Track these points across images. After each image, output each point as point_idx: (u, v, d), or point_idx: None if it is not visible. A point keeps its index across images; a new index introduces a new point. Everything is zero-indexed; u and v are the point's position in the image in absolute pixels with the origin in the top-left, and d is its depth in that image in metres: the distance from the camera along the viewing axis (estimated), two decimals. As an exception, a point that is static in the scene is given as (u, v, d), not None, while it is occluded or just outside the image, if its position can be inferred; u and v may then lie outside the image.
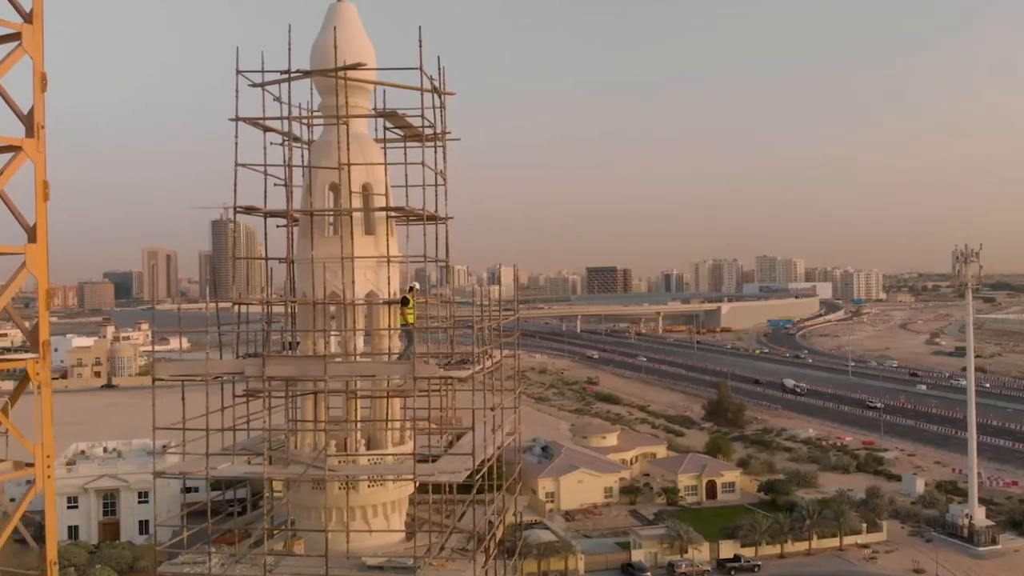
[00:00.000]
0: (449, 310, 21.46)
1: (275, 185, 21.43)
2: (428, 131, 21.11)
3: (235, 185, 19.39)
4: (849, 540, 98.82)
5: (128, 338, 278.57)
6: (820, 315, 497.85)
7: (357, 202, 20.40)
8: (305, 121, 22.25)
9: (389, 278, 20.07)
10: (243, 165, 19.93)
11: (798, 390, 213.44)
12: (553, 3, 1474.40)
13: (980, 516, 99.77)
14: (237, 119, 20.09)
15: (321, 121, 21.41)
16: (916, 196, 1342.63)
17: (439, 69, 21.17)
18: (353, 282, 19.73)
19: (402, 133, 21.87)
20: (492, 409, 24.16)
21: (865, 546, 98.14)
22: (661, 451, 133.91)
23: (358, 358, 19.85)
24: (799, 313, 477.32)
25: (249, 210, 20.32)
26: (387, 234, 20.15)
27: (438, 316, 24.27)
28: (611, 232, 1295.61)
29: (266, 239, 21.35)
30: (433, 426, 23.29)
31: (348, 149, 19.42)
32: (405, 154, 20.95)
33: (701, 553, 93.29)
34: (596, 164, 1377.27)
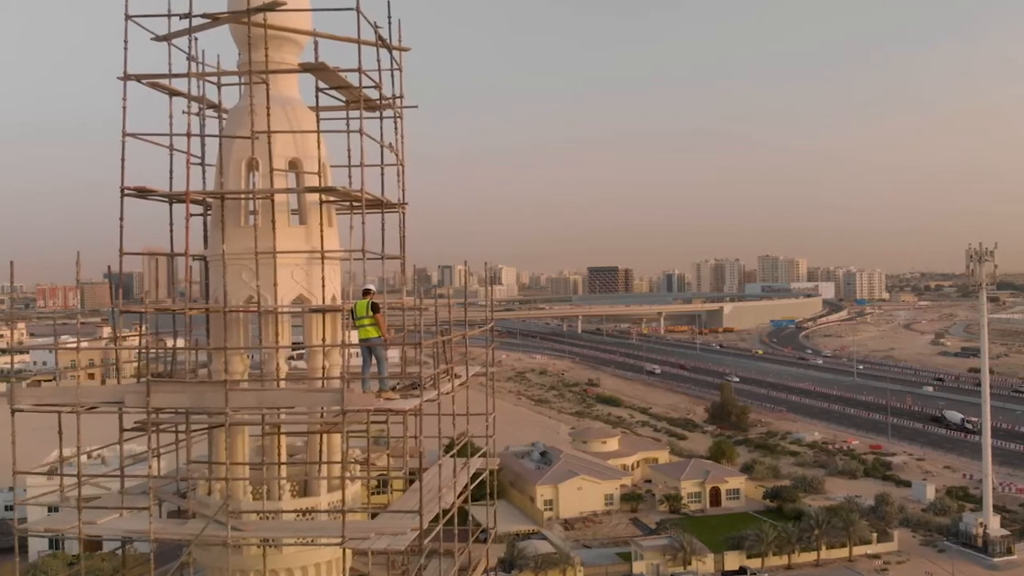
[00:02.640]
0: (403, 319, 17.51)
1: (194, 164, 17.46)
2: (375, 94, 17.14)
3: (122, 161, 15.31)
4: (859, 550, 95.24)
5: (125, 339, 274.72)
6: (823, 315, 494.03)
7: (282, 183, 16.33)
8: (214, 81, 18.19)
9: (324, 279, 16.00)
10: (133, 135, 15.88)
11: (968, 426, 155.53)
12: (551, 5, 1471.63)
13: (995, 525, 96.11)
14: (125, 77, 16.02)
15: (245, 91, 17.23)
16: (919, 195, 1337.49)
17: (390, 21, 17.15)
18: (275, 284, 15.71)
19: (344, 99, 17.77)
20: (464, 435, 20.10)
21: (876, 556, 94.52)
22: (663, 456, 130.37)
23: (282, 383, 15.81)
24: (802, 313, 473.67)
25: (140, 193, 16.27)
26: (321, 224, 16.02)
27: (404, 325, 20.29)
28: (613, 232, 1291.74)
29: (171, 230, 17.21)
30: (393, 459, 19.25)
31: (268, 114, 15.37)
32: (347, 124, 16.77)
33: (705, 565, 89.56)
34: (598, 163, 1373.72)
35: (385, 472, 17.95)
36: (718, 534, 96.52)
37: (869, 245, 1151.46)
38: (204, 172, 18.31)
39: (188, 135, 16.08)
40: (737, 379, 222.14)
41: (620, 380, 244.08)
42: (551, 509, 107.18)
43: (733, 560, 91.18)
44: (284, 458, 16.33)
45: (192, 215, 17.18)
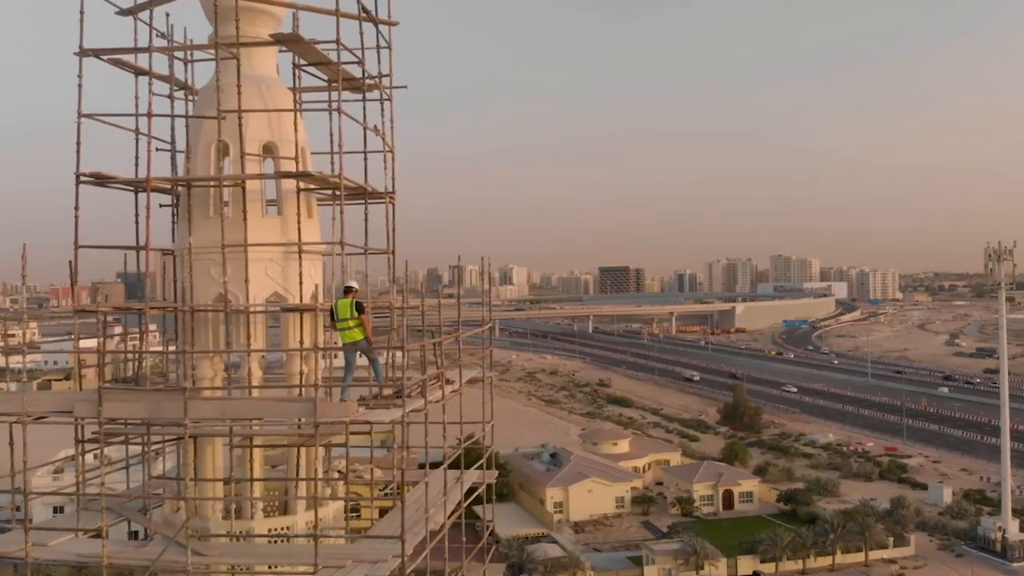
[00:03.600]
0: (392, 319, 15.97)
1: (164, 150, 16.05)
2: (360, 72, 15.62)
3: (78, 145, 13.84)
4: (875, 555, 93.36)
5: (134, 339, 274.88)
6: (836, 315, 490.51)
7: (256, 170, 14.84)
8: (186, 59, 16.69)
9: (301, 275, 14.51)
10: (91, 116, 14.42)
11: None
12: (558, 3, 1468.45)
13: (1014, 529, 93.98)
14: (81, 52, 14.51)
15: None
16: (931, 195, 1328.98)
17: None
18: (247, 280, 14.24)
19: (326, 79, 16.24)
20: (462, 439, 18.59)
21: (892, 561, 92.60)
22: (675, 458, 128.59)
23: (253, 392, 14.31)
24: (815, 313, 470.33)
25: (98, 179, 14.78)
26: (299, 213, 14.51)
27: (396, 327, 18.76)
28: (624, 231, 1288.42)
29: (136, 221, 15.61)
30: (378, 472, 17.72)
31: (240, 92, 13.89)
32: (330, 107, 15.26)
33: (718, 570, 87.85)
34: (608, 163, 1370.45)
35: (374, 486, 16.35)
36: (731, 538, 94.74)
37: (882, 245, 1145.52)
38: (174, 159, 16.85)
39: (149, 115, 14.62)
40: (696, 377, 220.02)
41: (631, 380, 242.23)
42: (561, 512, 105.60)
43: (746, 565, 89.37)
44: (259, 473, 14.84)
45: (163, 206, 15.76)
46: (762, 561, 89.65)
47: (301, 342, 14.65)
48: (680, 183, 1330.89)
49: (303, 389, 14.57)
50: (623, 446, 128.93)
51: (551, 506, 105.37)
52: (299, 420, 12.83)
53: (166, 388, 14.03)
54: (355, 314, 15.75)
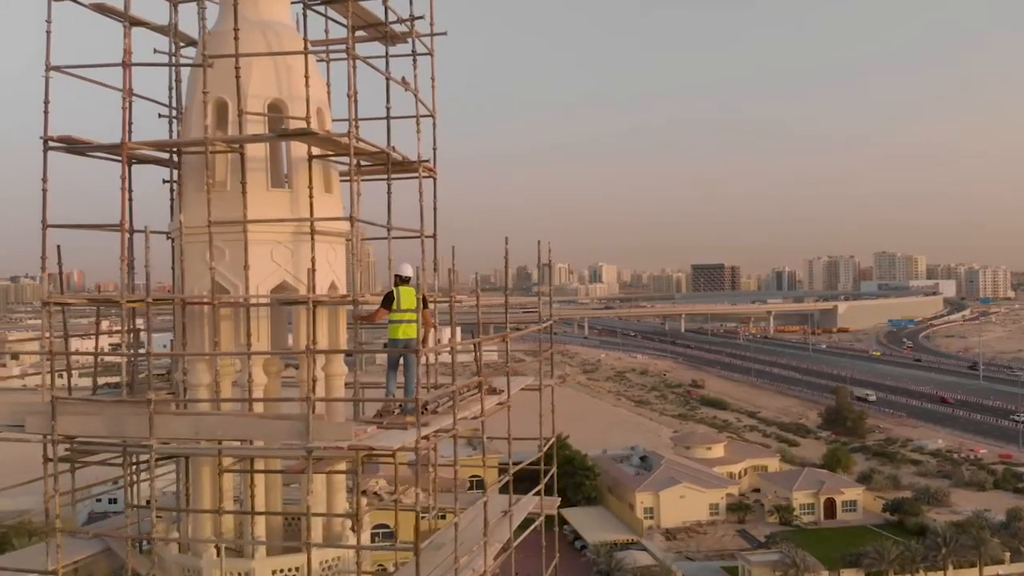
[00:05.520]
0: (420, 317, 13.21)
1: (164, 117, 13.79)
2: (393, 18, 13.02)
3: (46, 104, 11.59)
4: (990, 571, 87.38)
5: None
6: (944, 314, 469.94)
7: (259, 131, 12.36)
8: (194, 13, 14.12)
9: (313, 260, 11.97)
10: (60, 68, 12.15)
11: None
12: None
13: None
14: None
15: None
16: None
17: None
18: (246, 266, 11.80)
19: (347, 25, 13.57)
20: (509, 460, 15.75)
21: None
22: (773, 463, 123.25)
23: (240, 405, 11.81)
24: (921, 312, 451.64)
25: (69, 144, 12.45)
26: (311, 184, 11.97)
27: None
28: (719, 228, 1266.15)
29: (123, 194, 13.15)
30: (424, 492, 15.02)
31: (236, 36, 11.40)
32: (349, 55, 12.58)
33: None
34: (704, 157, 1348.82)
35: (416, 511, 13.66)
36: (833, 549, 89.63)
37: (992, 242, 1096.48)
38: (172, 125, 14.53)
39: (126, 64, 12.24)
40: (873, 398, 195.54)
41: (726, 382, 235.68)
42: (651, 518, 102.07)
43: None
44: (266, 501, 12.38)
45: (167, 181, 13.44)
46: (867, 575, 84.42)
47: (313, 342, 12.07)
48: (778, 178, 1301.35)
49: (312, 403, 11.87)
50: (718, 450, 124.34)
51: (641, 512, 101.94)
52: (295, 443, 10.32)
53: (130, 399, 11.67)
54: (419, 307, 13.20)
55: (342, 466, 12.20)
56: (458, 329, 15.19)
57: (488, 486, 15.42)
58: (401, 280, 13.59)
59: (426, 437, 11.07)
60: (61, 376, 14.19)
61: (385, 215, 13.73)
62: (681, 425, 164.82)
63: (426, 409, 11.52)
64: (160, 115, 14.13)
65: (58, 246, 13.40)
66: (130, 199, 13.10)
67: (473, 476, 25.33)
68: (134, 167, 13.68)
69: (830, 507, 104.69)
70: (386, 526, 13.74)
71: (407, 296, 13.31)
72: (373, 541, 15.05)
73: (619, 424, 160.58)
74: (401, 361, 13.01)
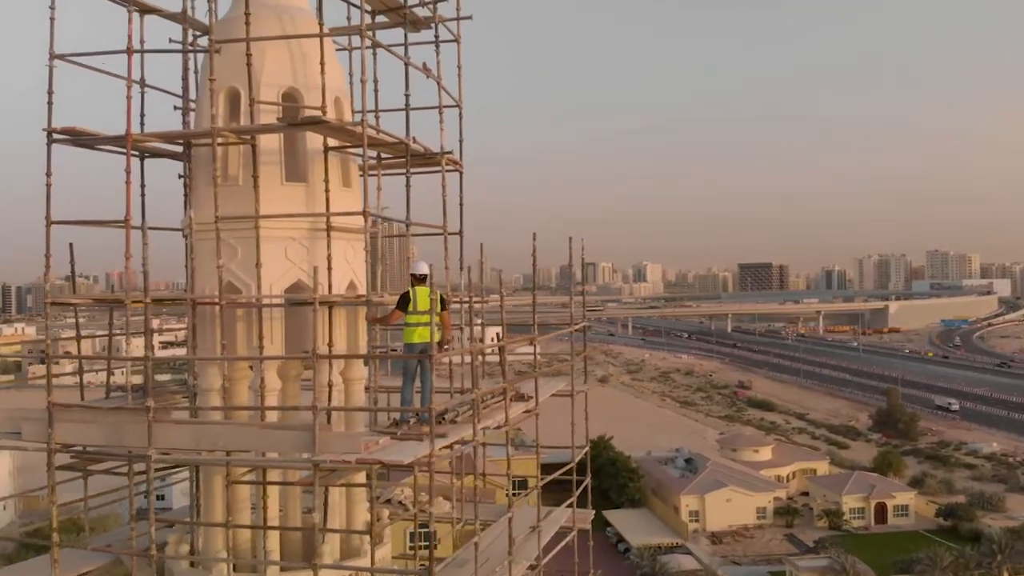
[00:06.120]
0: (469, 319, 12.44)
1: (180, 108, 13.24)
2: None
3: (49, 94, 11.10)
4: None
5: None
6: (999, 314, 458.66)
7: (272, 120, 11.72)
8: None
9: (330, 257, 11.29)
10: (63, 57, 11.63)
11: None
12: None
13: None
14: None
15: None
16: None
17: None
18: (258, 264, 11.16)
19: (360, 4, 12.82)
20: (539, 470, 14.94)
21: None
22: (822, 467, 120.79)
23: (242, 414, 11.13)
24: (975, 312, 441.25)
25: (73, 136, 11.90)
26: (327, 177, 11.27)
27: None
28: (766, 227, 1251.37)
29: (128, 188, 12.38)
30: (448, 497, 14.31)
31: (248, 20, 10.78)
32: (362, 36, 11.80)
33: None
34: (750, 154, 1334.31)
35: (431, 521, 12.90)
36: (884, 556, 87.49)
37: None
38: (186, 118, 13.97)
39: (130, 51, 11.67)
40: (955, 407, 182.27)
41: (774, 383, 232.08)
42: (697, 521, 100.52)
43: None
44: (281, 514, 11.74)
45: (183, 176, 12.87)
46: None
47: (330, 346, 11.38)
48: (827, 176, 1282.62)
49: (318, 412, 11.04)
50: (765, 453, 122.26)
51: (686, 515, 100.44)
52: (300, 454, 9.64)
53: (128, 407, 11.07)
54: (438, 309, 12.47)
55: (361, 476, 11.53)
56: (495, 330, 14.40)
57: (530, 490, 14.70)
58: (417, 280, 12.84)
59: (449, 447, 10.34)
60: (113, 374, 13.80)
61: (415, 211, 13.10)
62: (727, 427, 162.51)
63: (443, 419, 10.80)
64: (176, 107, 13.65)
65: (70, 244, 13.00)
66: (142, 194, 12.63)
67: (517, 476, 24.56)
68: (151, 162, 13.21)
69: (881, 512, 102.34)
70: (425, 526, 13.02)
71: (424, 297, 12.56)
72: (411, 542, 14.39)
73: (664, 425, 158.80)
74: (418, 366, 12.33)
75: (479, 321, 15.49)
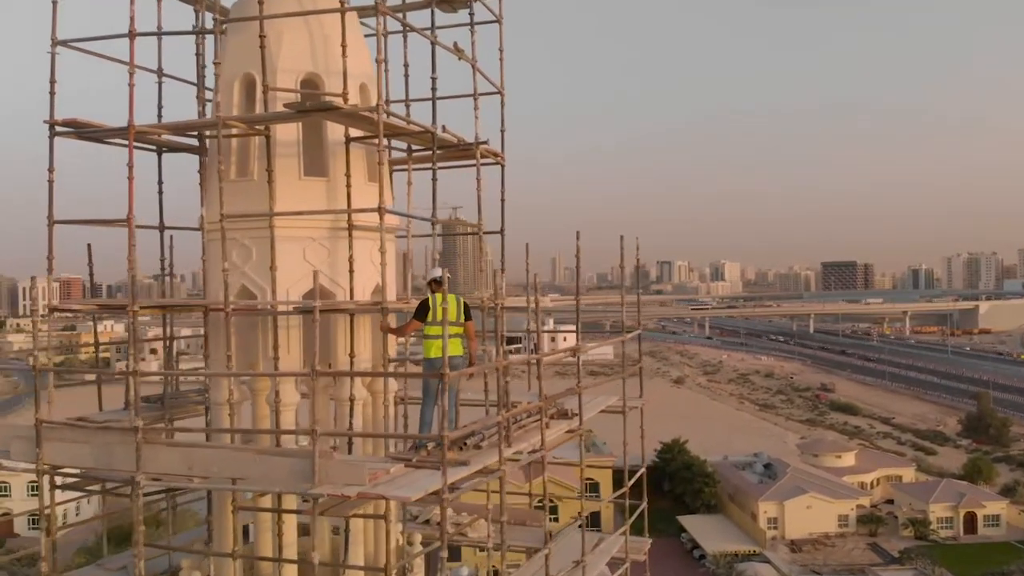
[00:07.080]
0: (498, 324, 11.36)
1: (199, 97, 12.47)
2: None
3: (52, 83, 10.38)
4: None
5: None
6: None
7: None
8: None
9: (351, 259, 10.29)
10: (66, 43, 10.89)
11: None
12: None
13: None
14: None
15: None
16: None
17: None
18: (272, 267, 10.22)
19: None
20: (583, 490, 13.71)
21: None
22: (908, 473, 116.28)
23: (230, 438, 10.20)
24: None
25: (75, 128, 11.16)
26: (349, 171, 10.30)
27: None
28: (850, 224, 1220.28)
29: (130, 183, 11.36)
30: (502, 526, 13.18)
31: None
32: (403, 39, 10.86)
33: (959, 604, 77.62)
34: (833, 150, 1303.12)
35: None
36: (974, 567, 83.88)
37: None
38: (203, 107, 13.16)
39: (131, 35, 10.84)
40: None
41: (858, 385, 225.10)
42: (775, 528, 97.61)
43: (993, 600, 78.72)
44: (303, 538, 10.79)
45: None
46: (1012, 596, 78.79)
47: (351, 357, 10.36)
48: (914, 172, 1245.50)
49: (318, 437, 9.77)
50: (848, 459, 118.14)
51: (764, 522, 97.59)
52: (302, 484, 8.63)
53: (117, 427, 10.23)
54: (461, 319, 11.41)
55: (380, 503, 10.50)
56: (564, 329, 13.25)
57: (575, 519, 13.50)
58: (436, 286, 11.72)
59: (470, 476, 9.21)
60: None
61: (463, 208, 12.07)
62: (809, 431, 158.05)
63: (465, 444, 9.67)
64: (197, 98, 12.89)
65: (88, 244, 12.32)
66: (159, 191, 11.89)
67: (588, 479, 23.29)
68: (170, 157, 12.47)
69: (970, 521, 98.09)
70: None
71: (451, 305, 11.43)
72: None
73: (741, 429, 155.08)
74: (439, 384, 11.22)
75: (531, 327, 14.28)
